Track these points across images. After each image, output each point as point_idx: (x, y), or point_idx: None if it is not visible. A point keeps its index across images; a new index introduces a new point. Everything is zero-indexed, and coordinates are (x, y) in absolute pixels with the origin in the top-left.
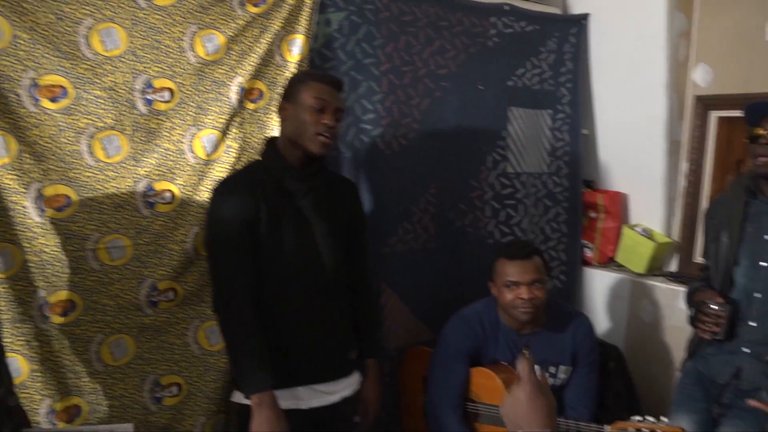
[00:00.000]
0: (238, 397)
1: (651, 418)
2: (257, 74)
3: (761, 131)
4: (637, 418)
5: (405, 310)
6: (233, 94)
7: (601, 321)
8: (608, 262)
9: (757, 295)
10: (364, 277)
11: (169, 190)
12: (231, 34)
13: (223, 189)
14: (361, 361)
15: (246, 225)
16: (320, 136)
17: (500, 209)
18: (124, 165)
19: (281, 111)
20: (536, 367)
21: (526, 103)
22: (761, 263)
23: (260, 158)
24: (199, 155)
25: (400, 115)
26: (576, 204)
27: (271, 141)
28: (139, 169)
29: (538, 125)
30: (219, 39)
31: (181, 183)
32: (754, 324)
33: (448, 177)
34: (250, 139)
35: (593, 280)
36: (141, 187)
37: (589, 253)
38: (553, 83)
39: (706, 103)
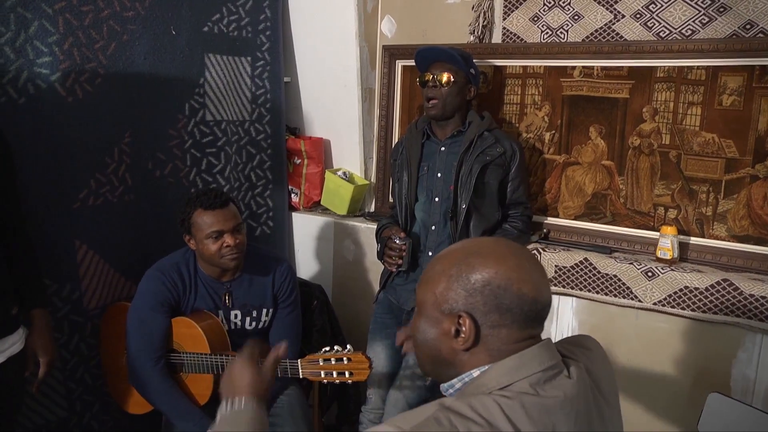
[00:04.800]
0: None
1: (338, 347)
2: None
3: (429, 76)
4: (326, 348)
5: (104, 266)
6: None
7: (310, 263)
8: (314, 206)
9: (433, 227)
10: (15, 225)
11: None
12: None
13: None
14: (26, 315)
15: None
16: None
17: (201, 158)
18: None
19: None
20: (236, 313)
21: (223, 50)
22: (435, 199)
23: None
24: None
25: (83, 60)
26: (279, 151)
27: None
28: None
29: (237, 72)
30: None
31: None
32: (431, 254)
33: (143, 125)
34: None
35: (300, 224)
36: None
37: (295, 198)
38: (251, 30)
39: (392, 53)
